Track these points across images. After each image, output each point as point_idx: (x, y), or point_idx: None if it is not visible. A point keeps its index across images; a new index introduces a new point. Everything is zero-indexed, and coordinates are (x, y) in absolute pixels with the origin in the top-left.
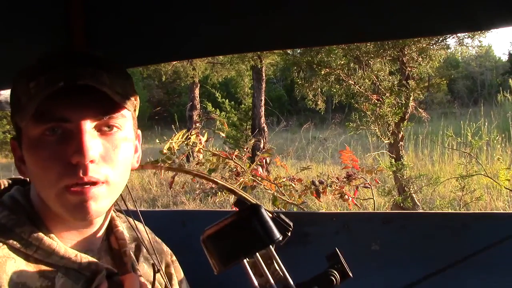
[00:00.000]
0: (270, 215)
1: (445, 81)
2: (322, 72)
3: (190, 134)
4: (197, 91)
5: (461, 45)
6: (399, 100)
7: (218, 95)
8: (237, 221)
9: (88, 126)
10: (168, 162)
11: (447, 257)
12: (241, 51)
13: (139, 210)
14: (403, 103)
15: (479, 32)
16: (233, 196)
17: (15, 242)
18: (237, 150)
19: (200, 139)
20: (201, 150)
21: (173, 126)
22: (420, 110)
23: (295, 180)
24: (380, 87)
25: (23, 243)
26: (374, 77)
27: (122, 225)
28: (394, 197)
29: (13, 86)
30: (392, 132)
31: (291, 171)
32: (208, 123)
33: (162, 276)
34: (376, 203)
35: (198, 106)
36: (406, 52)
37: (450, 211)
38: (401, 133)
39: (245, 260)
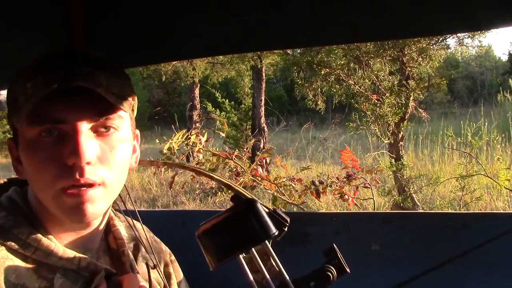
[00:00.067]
0: (267, 210)
1: (445, 81)
2: (322, 72)
3: (190, 134)
4: (197, 91)
5: (461, 45)
6: (399, 100)
7: (218, 95)
8: (232, 216)
9: (84, 127)
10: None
11: (447, 257)
12: (241, 51)
13: (138, 210)
14: (403, 103)
15: (479, 32)
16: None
17: (13, 243)
18: (237, 150)
19: (200, 139)
20: (201, 150)
21: (173, 126)
22: (420, 110)
23: (295, 180)
24: (380, 87)
25: (21, 244)
26: (374, 77)
27: (121, 225)
28: (394, 197)
29: (9, 86)
30: (392, 132)
31: (291, 171)
32: (208, 123)
33: (160, 275)
34: (376, 203)
35: (198, 106)
36: (406, 52)
37: (450, 211)
38: (401, 133)
39: (241, 256)
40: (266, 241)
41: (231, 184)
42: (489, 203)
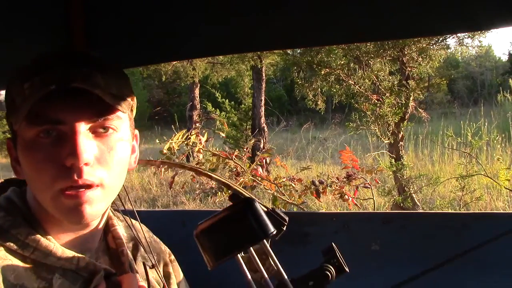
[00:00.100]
0: (265, 209)
1: (445, 81)
2: (322, 72)
3: (190, 134)
4: (197, 91)
5: (461, 45)
6: (399, 100)
7: (218, 95)
8: (230, 215)
9: (83, 128)
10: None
11: (447, 257)
12: (241, 51)
13: (138, 210)
14: (403, 103)
15: (479, 32)
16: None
17: (11, 244)
18: (237, 150)
19: (200, 139)
20: (201, 150)
21: (173, 126)
22: (420, 110)
23: (295, 180)
24: (380, 87)
25: (20, 244)
26: (374, 77)
27: (120, 225)
28: (394, 197)
29: (7, 86)
30: (392, 132)
31: (291, 171)
32: (208, 123)
33: (159, 275)
34: (376, 203)
35: (198, 106)
36: (406, 52)
37: (450, 211)
38: (401, 133)
39: (239, 255)
40: (264, 241)
41: (229, 183)
42: (489, 203)
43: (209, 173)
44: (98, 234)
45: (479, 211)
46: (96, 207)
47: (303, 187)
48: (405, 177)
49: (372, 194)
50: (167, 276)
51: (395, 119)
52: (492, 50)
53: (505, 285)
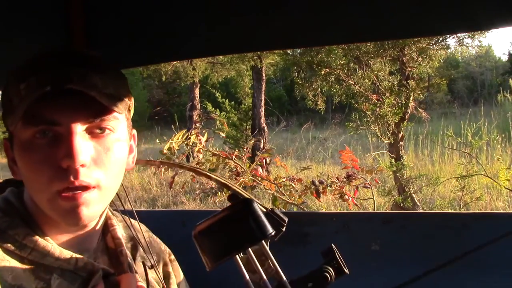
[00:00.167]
0: (264, 210)
1: (445, 81)
2: (322, 72)
3: (190, 134)
4: (197, 91)
5: (461, 45)
6: (399, 100)
7: (218, 95)
8: (229, 215)
9: (79, 129)
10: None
11: (447, 257)
12: (241, 51)
13: (138, 210)
14: (403, 103)
15: (479, 32)
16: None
17: (9, 245)
18: (237, 150)
19: (200, 139)
20: (201, 150)
21: (173, 126)
22: (420, 110)
23: (295, 180)
24: (380, 87)
25: (17, 245)
26: (374, 77)
27: (119, 225)
28: (394, 197)
29: (4, 86)
30: (392, 132)
31: (291, 171)
32: (208, 123)
33: (158, 275)
34: (376, 203)
35: (198, 106)
36: (406, 52)
37: (450, 211)
38: (401, 133)
39: (237, 256)
40: (263, 241)
41: (228, 184)
42: (489, 203)
43: (208, 173)
44: (96, 234)
45: (479, 211)
46: (93, 209)
47: (303, 187)
48: (405, 177)
49: (372, 194)
50: (166, 276)
51: (395, 119)
52: (492, 50)
53: (505, 285)
